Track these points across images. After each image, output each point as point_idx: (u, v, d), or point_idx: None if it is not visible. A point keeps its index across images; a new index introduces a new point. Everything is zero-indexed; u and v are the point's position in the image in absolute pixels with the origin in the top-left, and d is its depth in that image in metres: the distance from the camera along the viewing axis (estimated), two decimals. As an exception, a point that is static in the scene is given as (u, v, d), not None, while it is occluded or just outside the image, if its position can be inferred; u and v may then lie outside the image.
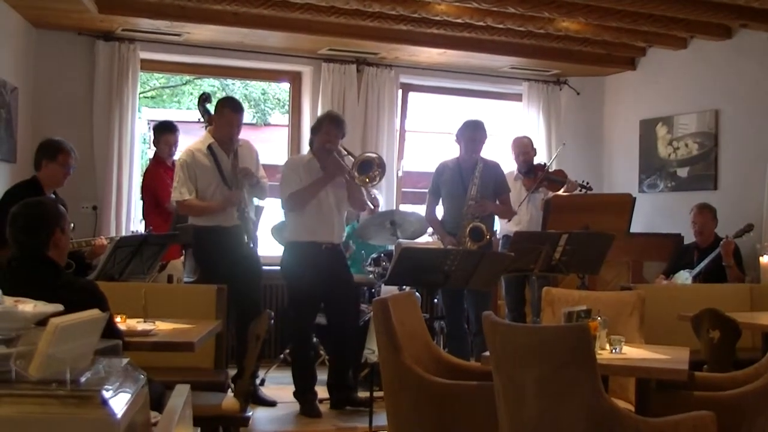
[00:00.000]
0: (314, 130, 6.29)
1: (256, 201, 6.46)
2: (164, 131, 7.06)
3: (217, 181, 6.04)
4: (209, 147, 6.07)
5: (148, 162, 9.06)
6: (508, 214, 6.77)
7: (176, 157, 6.79)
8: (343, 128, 6.21)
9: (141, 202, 7.26)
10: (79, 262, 5.38)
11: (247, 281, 5.97)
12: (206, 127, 6.64)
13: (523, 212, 7.15)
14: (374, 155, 6.28)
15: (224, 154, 6.06)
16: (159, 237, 5.93)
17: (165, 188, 6.65)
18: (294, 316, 6.29)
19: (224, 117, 6.09)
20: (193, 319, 4.54)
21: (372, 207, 6.72)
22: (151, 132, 7.32)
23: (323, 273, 6.07)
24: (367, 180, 6.10)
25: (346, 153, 6.22)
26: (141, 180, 7.44)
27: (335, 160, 6.08)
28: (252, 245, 6.02)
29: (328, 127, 6.15)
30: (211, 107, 6.69)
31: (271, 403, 6.28)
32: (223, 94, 13.18)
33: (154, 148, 7.19)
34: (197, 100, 6.97)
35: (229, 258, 5.93)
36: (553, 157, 7.68)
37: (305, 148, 8.44)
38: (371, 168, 6.10)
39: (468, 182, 6.43)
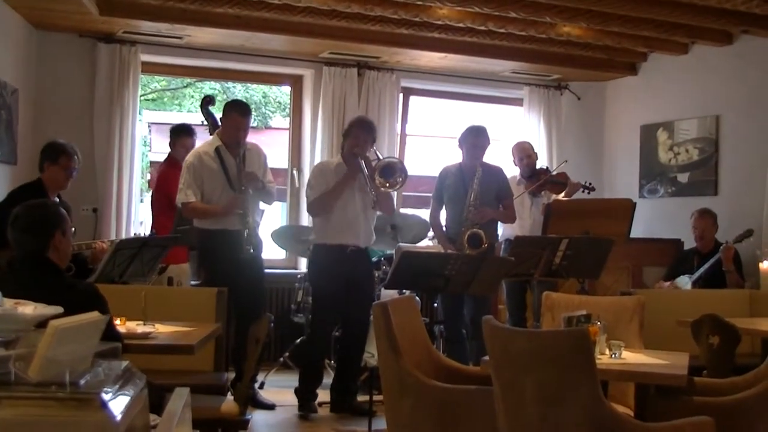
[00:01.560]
0: (345, 135, 6.31)
1: (261, 205, 6.46)
2: (182, 134, 7.03)
3: (223, 184, 6.04)
4: (216, 150, 6.07)
5: (149, 164, 9.09)
6: (510, 218, 6.76)
7: None
8: (372, 133, 6.23)
9: (150, 203, 7.19)
10: (80, 266, 5.39)
11: (249, 285, 5.97)
12: (209, 130, 6.64)
13: (526, 216, 7.14)
14: (396, 160, 6.28)
15: (231, 157, 6.06)
16: (160, 239, 5.92)
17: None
18: (315, 318, 6.34)
19: (231, 120, 6.10)
20: (192, 322, 4.53)
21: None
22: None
23: (346, 276, 6.11)
24: (388, 185, 6.08)
25: (376, 158, 6.21)
26: (149, 182, 7.41)
27: (355, 162, 6.08)
28: (252, 251, 6.00)
29: (357, 131, 6.17)
30: (214, 110, 6.70)
31: (270, 407, 6.28)
32: (225, 97, 13.22)
33: (169, 150, 7.15)
34: (200, 102, 6.96)
35: (232, 261, 5.92)
36: (554, 168, 7.65)
37: (306, 152, 8.50)
38: (394, 173, 6.08)
39: (469, 188, 6.44)
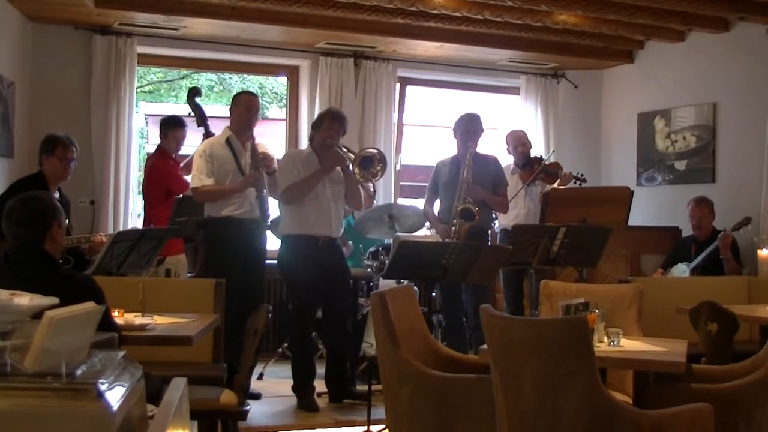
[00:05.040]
0: (315, 125, 6.28)
1: None
2: (173, 126, 7.00)
3: (234, 171, 6.02)
4: (227, 140, 6.07)
5: (146, 156, 9.05)
6: (503, 207, 6.77)
7: (182, 152, 6.88)
8: (344, 124, 6.20)
9: (145, 195, 7.17)
10: (78, 259, 5.39)
11: (252, 276, 5.98)
12: (196, 122, 6.67)
13: (521, 205, 7.15)
14: (374, 150, 6.27)
15: (242, 146, 6.06)
16: (157, 231, 5.90)
17: (178, 180, 6.68)
18: (293, 310, 6.28)
19: (242, 102, 6.13)
20: (191, 314, 4.52)
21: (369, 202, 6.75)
22: (157, 126, 7.23)
23: (320, 266, 6.06)
24: (369, 175, 6.08)
25: (346, 150, 6.20)
26: (143, 174, 7.39)
27: (333, 152, 6.07)
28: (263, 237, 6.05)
29: (330, 122, 6.14)
30: (200, 101, 6.73)
31: (256, 396, 6.26)
32: (221, 89, 13.20)
33: (159, 141, 7.11)
34: (187, 94, 6.97)
35: (240, 251, 5.92)
36: (547, 157, 7.62)
37: (303, 143, 8.48)
38: (372, 164, 6.09)
39: (461, 167, 6.48)
